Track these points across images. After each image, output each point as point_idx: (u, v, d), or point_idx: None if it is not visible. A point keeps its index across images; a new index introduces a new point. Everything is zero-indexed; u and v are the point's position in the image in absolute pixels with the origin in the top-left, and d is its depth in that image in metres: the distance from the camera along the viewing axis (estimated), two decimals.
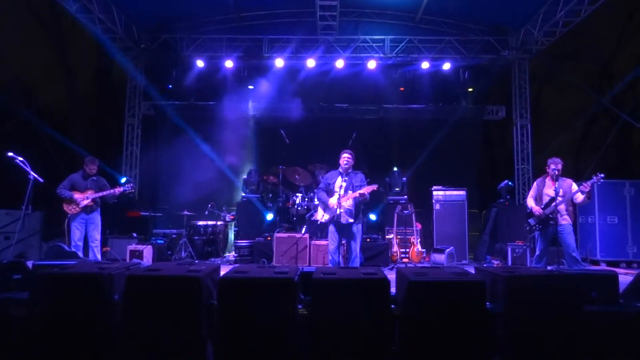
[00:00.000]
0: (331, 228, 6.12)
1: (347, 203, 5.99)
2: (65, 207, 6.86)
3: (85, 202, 6.84)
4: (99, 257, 6.94)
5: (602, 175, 5.83)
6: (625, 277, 5.27)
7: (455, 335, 3.11)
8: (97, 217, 7.03)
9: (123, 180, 7.24)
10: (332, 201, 6.01)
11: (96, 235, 6.97)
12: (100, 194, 6.93)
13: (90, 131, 14.02)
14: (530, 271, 3.67)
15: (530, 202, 6.42)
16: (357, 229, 6.11)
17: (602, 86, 16.08)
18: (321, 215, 6.25)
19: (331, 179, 6.23)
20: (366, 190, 5.89)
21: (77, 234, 6.82)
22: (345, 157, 6.14)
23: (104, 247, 8.08)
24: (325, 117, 11.69)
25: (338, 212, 5.94)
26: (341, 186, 6.02)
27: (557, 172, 6.16)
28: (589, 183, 5.85)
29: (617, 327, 3.32)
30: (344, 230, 6.10)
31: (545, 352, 3.18)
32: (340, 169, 6.18)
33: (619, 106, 12.51)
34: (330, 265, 6.21)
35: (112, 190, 6.99)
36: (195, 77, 11.16)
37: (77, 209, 6.83)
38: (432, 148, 10.93)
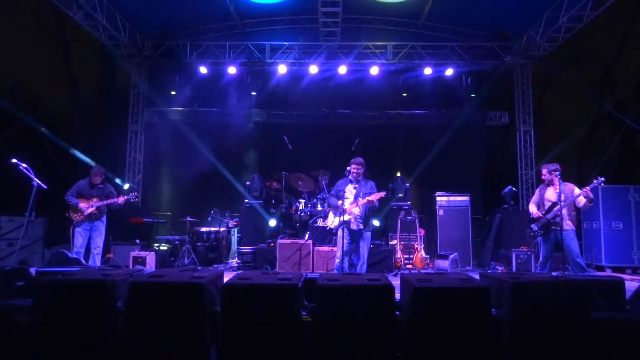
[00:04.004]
0: (340, 232, 6.16)
1: (356, 210, 6.08)
2: (71, 214, 6.96)
3: (90, 210, 6.91)
4: (98, 264, 6.96)
5: (602, 178, 5.90)
6: (631, 284, 5.24)
7: (461, 342, 3.08)
8: (101, 225, 7.10)
9: (126, 186, 7.26)
10: (346, 206, 6.09)
11: (99, 242, 7.04)
12: (105, 202, 6.99)
13: (94, 137, 14.04)
14: (536, 277, 3.64)
15: (532, 207, 6.43)
16: (367, 236, 6.20)
17: (605, 91, 16.06)
18: (331, 221, 6.40)
19: (342, 186, 6.34)
20: (374, 197, 5.98)
21: (79, 240, 6.87)
22: (354, 167, 6.22)
23: (107, 254, 8.07)
24: (328, 123, 11.70)
25: (347, 218, 6.05)
26: (352, 193, 6.16)
27: (549, 177, 6.21)
28: (589, 187, 5.90)
29: (624, 334, 3.29)
30: (354, 236, 6.17)
31: (552, 359, 3.15)
32: (350, 177, 6.25)
33: (623, 111, 12.48)
34: (335, 268, 6.25)
35: (115, 199, 7.06)
36: (198, 83, 11.20)
37: (82, 216, 6.90)
38: (435, 154, 10.93)
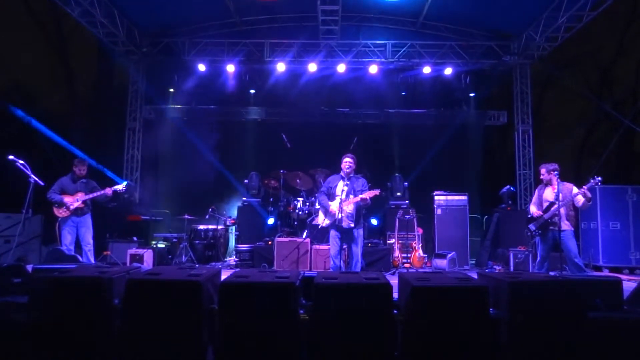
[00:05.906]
0: (332, 232, 6.09)
1: (349, 208, 5.96)
2: (56, 211, 6.78)
3: (76, 204, 6.76)
4: (92, 260, 6.87)
5: (599, 178, 5.93)
6: (628, 284, 5.23)
7: (458, 341, 3.08)
8: (88, 220, 6.93)
9: (124, 184, 7.16)
10: (334, 205, 5.98)
11: (89, 238, 6.88)
12: (91, 196, 6.85)
13: (91, 135, 14.03)
14: (533, 277, 3.64)
15: (532, 208, 6.44)
16: (359, 233, 6.09)
17: (603, 92, 16.11)
18: (322, 220, 6.24)
19: (332, 183, 6.20)
20: (368, 195, 5.86)
21: (68, 237, 6.73)
22: (347, 162, 6.11)
23: (104, 251, 8.05)
24: (327, 121, 11.69)
25: (339, 216, 5.91)
26: (343, 190, 5.99)
27: (548, 177, 6.23)
28: (587, 186, 5.93)
29: (621, 334, 3.28)
30: (345, 235, 6.08)
31: (549, 358, 3.15)
32: (342, 173, 6.15)
33: (621, 112, 12.51)
34: (331, 269, 6.18)
35: (103, 191, 6.88)
36: (196, 81, 11.17)
37: (67, 212, 6.74)
38: (434, 153, 10.94)
